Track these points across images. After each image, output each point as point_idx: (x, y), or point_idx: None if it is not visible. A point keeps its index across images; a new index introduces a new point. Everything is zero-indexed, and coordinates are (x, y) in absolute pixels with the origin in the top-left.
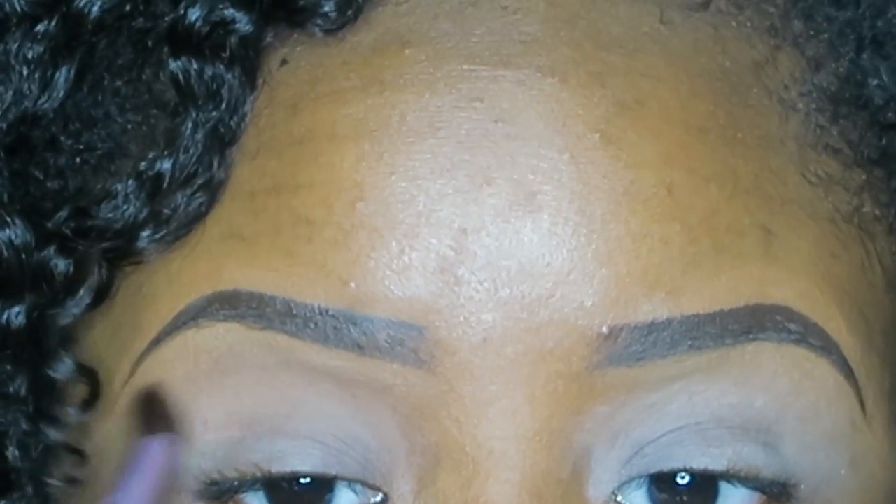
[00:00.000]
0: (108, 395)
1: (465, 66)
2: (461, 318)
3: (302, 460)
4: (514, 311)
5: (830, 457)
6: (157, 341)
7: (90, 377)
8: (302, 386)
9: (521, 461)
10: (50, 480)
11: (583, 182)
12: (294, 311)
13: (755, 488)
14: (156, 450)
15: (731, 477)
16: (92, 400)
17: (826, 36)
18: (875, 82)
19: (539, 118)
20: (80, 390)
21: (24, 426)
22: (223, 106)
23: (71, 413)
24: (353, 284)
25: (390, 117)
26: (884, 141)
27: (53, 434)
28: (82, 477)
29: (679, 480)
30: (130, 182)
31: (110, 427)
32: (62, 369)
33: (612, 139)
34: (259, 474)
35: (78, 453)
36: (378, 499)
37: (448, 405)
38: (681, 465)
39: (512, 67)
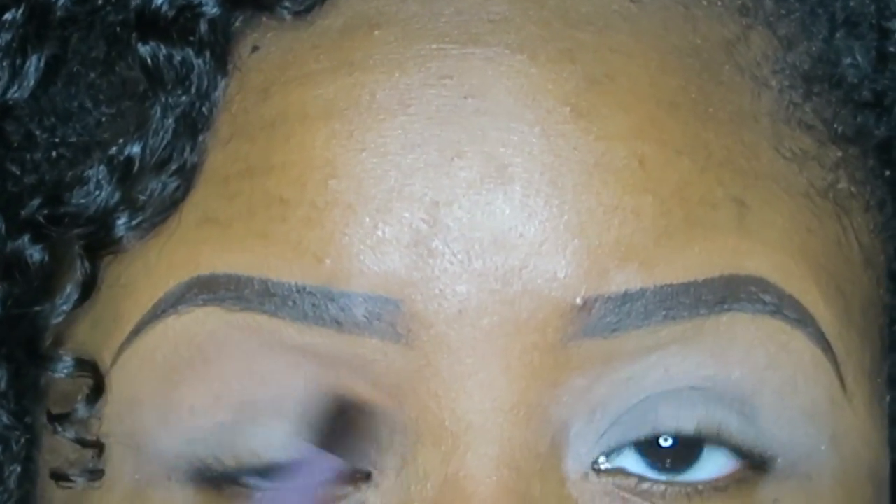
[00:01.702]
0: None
1: (434, 46)
2: (436, 291)
3: (295, 447)
4: (489, 283)
5: (809, 433)
6: (136, 331)
7: (92, 371)
8: (286, 367)
9: (500, 434)
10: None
11: (554, 154)
12: (272, 291)
13: (730, 449)
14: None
15: (704, 437)
16: (97, 393)
17: (798, 15)
18: (848, 61)
19: (509, 93)
20: (70, 384)
21: (4, 421)
22: (193, 90)
23: (79, 408)
24: (328, 261)
25: (360, 96)
26: (859, 119)
27: (61, 429)
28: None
29: (662, 443)
30: (102, 167)
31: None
32: (62, 368)
33: (582, 112)
34: (257, 461)
35: (94, 446)
36: (362, 475)
37: (426, 380)
38: (650, 429)
39: (481, 45)
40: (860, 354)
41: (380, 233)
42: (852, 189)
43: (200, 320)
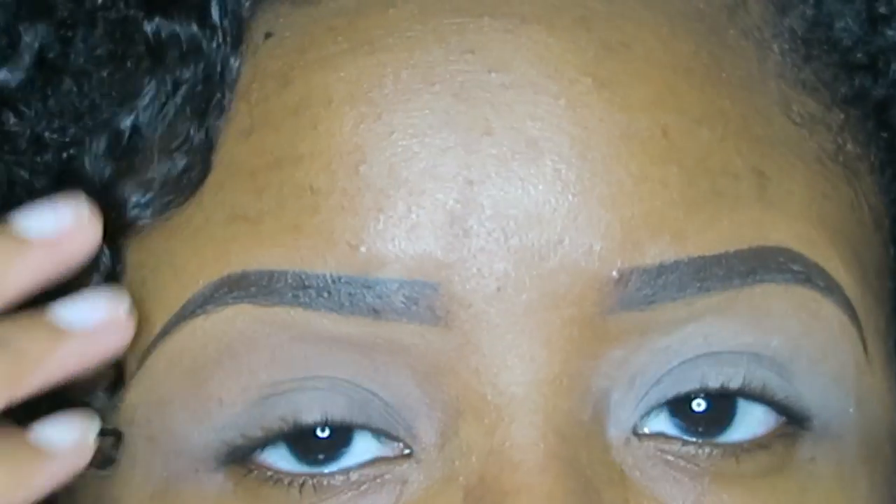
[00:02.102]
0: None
1: (450, 20)
2: (474, 270)
3: (329, 409)
4: (525, 259)
5: (839, 397)
6: (163, 333)
7: (114, 364)
8: (317, 357)
9: (543, 404)
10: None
11: (581, 126)
12: (306, 283)
13: (770, 405)
14: None
15: (746, 393)
16: (117, 384)
17: None
18: (841, 25)
19: (531, 65)
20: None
21: None
22: (200, 70)
23: (100, 396)
24: (363, 249)
25: (384, 77)
26: (856, 81)
27: None
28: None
29: (696, 407)
30: (102, 139)
31: (118, 424)
32: None
33: (604, 82)
34: (286, 427)
35: (113, 434)
36: (402, 452)
37: (466, 358)
38: (696, 385)
39: (497, 16)
40: (877, 318)
41: (414, 216)
42: (858, 151)
43: (230, 318)
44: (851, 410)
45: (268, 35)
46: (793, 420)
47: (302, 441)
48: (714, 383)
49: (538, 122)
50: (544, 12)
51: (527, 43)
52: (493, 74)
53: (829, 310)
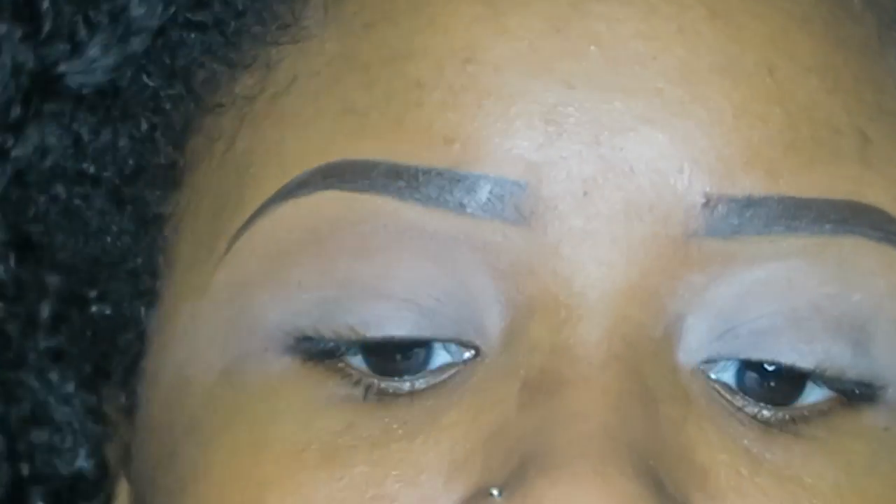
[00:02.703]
0: (202, 274)
1: None
2: (563, 174)
3: (397, 325)
4: (615, 168)
5: None
6: (255, 216)
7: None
8: (399, 248)
9: (614, 310)
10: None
11: (688, 50)
12: (398, 173)
13: (838, 390)
14: None
15: (816, 377)
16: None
17: None
18: None
19: None
20: None
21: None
22: None
23: None
24: (457, 144)
25: None
26: None
27: None
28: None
29: (767, 367)
30: None
31: (202, 305)
32: None
33: (718, 13)
34: (354, 337)
35: None
36: (471, 354)
37: (545, 259)
38: (769, 357)
39: None
40: None
41: (512, 115)
42: None
43: (319, 204)
44: None
45: None
46: (863, 393)
47: (377, 350)
48: (787, 359)
49: (647, 40)
50: None
51: None
52: None
53: None
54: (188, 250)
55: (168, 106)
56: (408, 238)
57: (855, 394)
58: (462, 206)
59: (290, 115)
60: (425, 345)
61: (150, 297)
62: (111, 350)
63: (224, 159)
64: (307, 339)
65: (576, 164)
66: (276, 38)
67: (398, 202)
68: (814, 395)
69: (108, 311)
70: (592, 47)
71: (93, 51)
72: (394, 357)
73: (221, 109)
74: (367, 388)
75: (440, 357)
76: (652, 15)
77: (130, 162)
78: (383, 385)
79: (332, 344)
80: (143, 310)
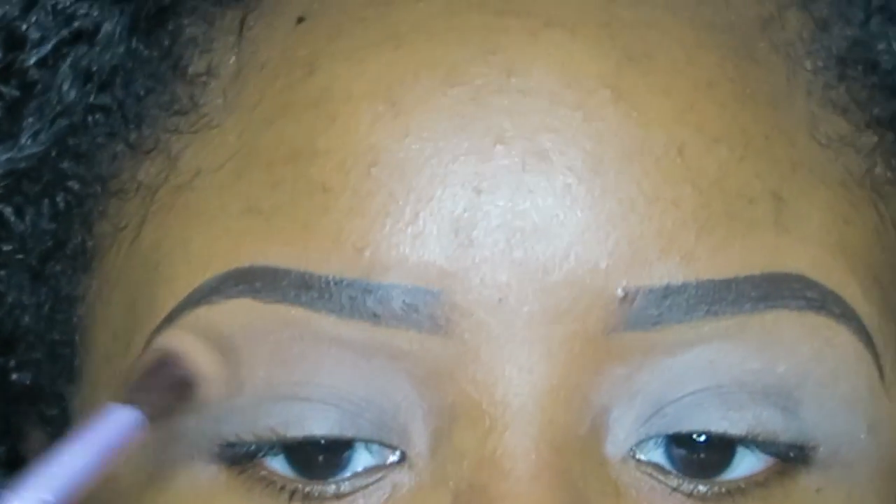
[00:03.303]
0: (121, 369)
1: (475, 17)
2: (477, 281)
3: (318, 423)
4: (529, 272)
5: (849, 421)
6: (170, 319)
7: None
8: (316, 356)
9: (539, 416)
10: None
11: (595, 140)
12: (309, 283)
13: (773, 453)
14: (120, 419)
15: (748, 442)
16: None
17: None
18: (882, 47)
19: (550, 72)
20: None
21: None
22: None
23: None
24: (367, 252)
25: (405, 74)
26: (893, 104)
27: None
28: None
29: (696, 437)
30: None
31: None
32: None
33: (623, 95)
34: (276, 438)
35: None
36: (395, 457)
37: (465, 366)
38: (700, 428)
39: (522, 16)
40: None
41: (420, 223)
42: (888, 175)
43: (233, 312)
44: (863, 436)
45: (300, 20)
46: (796, 456)
47: (299, 451)
48: (717, 428)
49: (552, 133)
50: (569, 16)
51: (548, 48)
52: (512, 79)
53: (843, 336)
54: (104, 339)
55: (77, 187)
56: (324, 347)
57: (790, 457)
58: (376, 316)
59: (195, 211)
60: (348, 445)
61: (70, 372)
62: (35, 423)
63: (131, 250)
64: (230, 444)
65: (489, 271)
66: (177, 125)
67: (311, 312)
68: (745, 461)
69: (27, 381)
70: (498, 146)
71: (24, 138)
72: (316, 458)
73: (126, 196)
74: (292, 493)
75: (363, 458)
76: (555, 105)
77: (49, 242)
78: (308, 489)
79: (253, 447)
80: (65, 385)
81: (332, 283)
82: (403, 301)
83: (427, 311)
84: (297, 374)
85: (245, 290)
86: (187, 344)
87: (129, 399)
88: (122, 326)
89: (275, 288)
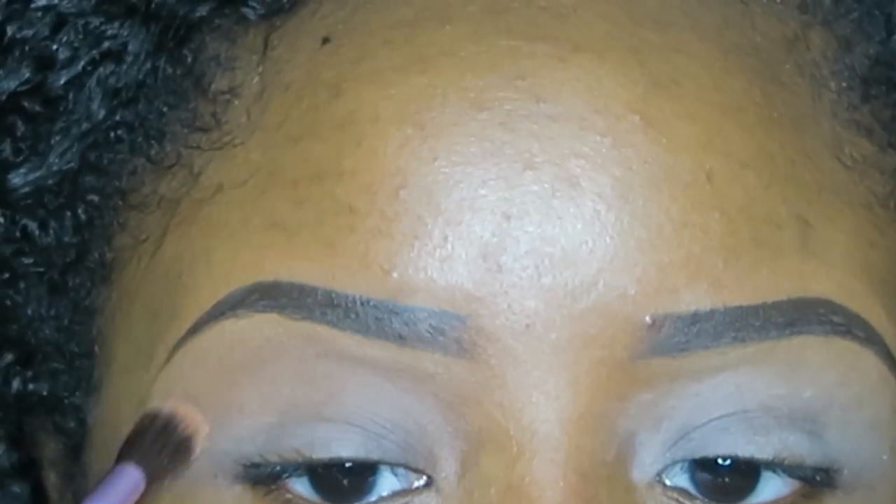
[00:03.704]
0: (143, 381)
1: (503, 42)
2: (504, 306)
3: (342, 445)
4: (557, 298)
5: (873, 443)
6: (194, 330)
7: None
8: (340, 375)
9: (566, 442)
10: None
11: (624, 167)
12: (335, 302)
13: (798, 477)
14: (130, 476)
15: (775, 466)
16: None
17: (856, 16)
18: None
19: (579, 97)
20: None
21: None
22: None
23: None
24: (395, 274)
25: (433, 98)
26: None
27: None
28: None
29: (720, 461)
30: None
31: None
32: None
33: (651, 121)
34: (301, 459)
35: None
36: (422, 482)
37: (491, 391)
38: (726, 452)
39: (550, 42)
40: None
41: (449, 247)
42: None
43: (258, 326)
44: (885, 457)
45: (325, 41)
46: (822, 479)
47: (324, 474)
48: (744, 452)
49: (582, 159)
50: (597, 41)
51: (577, 73)
52: (541, 105)
53: (868, 360)
54: (125, 351)
55: (97, 200)
56: (349, 366)
57: (816, 480)
58: (402, 337)
59: (217, 223)
60: (372, 469)
61: (88, 384)
62: (50, 432)
63: (152, 262)
64: (254, 465)
65: (517, 297)
66: (198, 142)
67: (336, 331)
68: (770, 486)
69: (44, 392)
70: (527, 172)
71: (53, 156)
72: (341, 481)
73: (147, 209)
74: None
75: (388, 482)
76: (585, 131)
77: (72, 254)
78: None
79: (278, 468)
80: (83, 397)
81: (358, 303)
82: (430, 324)
83: (453, 335)
84: (321, 394)
85: (271, 306)
86: (181, 406)
87: (129, 457)
88: (144, 338)
89: (300, 305)
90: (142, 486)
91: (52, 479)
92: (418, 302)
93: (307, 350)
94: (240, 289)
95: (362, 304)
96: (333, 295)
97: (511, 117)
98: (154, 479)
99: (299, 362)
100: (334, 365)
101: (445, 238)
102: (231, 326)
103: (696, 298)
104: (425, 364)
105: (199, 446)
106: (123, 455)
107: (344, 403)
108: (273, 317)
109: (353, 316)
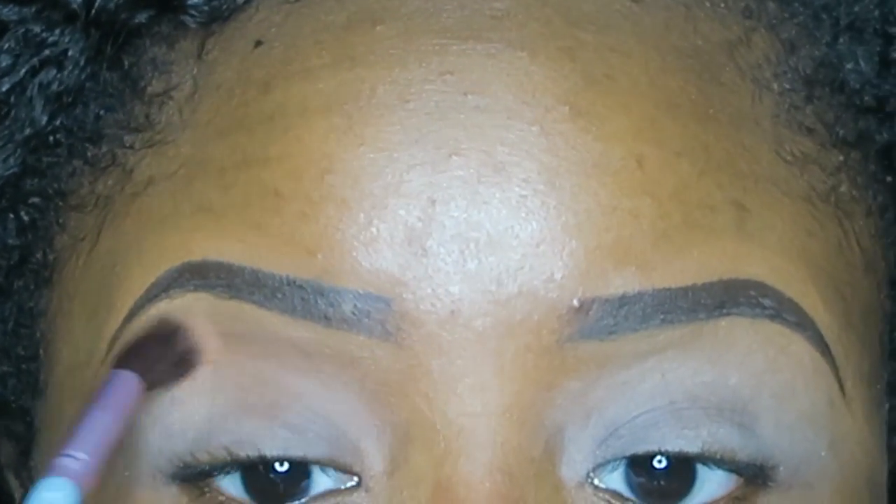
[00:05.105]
0: (85, 378)
1: (435, 41)
2: (429, 291)
3: (270, 443)
4: (483, 283)
5: (809, 437)
6: (129, 317)
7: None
8: (267, 359)
9: (492, 439)
10: None
11: (552, 154)
12: (261, 281)
13: (732, 470)
14: (127, 382)
15: (706, 459)
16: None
17: (801, 19)
18: (850, 66)
19: (508, 90)
20: None
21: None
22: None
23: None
24: (320, 256)
25: (360, 91)
26: (860, 124)
27: None
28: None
29: (656, 464)
30: None
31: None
32: None
33: (581, 111)
34: (229, 458)
35: None
36: (353, 482)
37: (416, 380)
38: (655, 448)
39: (482, 41)
40: (859, 359)
41: (374, 230)
42: (854, 193)
43: (190, 306)
44: (823, 453)
45: (258, 43)
46: (754, 477)
47: (256, 476)
48: (673, 447)
49: (508, 146)
50: (531, 40)
51: (507, 69)
52: (469, 97)
53: (799, 346)
54: (67, 351)
55: (38, 202)
56: (276, 349)
57: (752, 478)
58: (327, 318)
59: (148, 213)
60: (304, 470)
61: (34, 387)
62: (2, 434)
63: (89, 259)
64: (186, 465)
65: (441, 282)
66: (132, 142)
67: (264, 311)
68: (706, 489)
69: None
70: (453, 157)
71: None
72: (273, 481)
73: (84, 208)
74: None
75: (321, 482)
76: (512, 120)
77: (15, 257)
78: None
79: (207, 467)
80: (30, 400)
81: (284, 283)
82: (355, 305)
83: (378, 317)
84: (248, 381)
85: (201, 285)
86: (193, 319)
87: (127, 364)
88: (84, 336)
89: (229, 284)
90: (141, 393)
91: (11, 481)
92: (343, 283)
93: (234, 330)
94: (170, 269)
95: (288, 284)
96: (260, 274)
97: (438, 108)
98: (152, 387)
99: (226, 344)
100: (262, 348)
101: (370, 221)
102: (165, 307)
103: (624, 282)
104: (350, 347)
105: (206, 364)
106: (121, 361)
107: (271, 395)
108: (203, 296)
109: (279, 296)
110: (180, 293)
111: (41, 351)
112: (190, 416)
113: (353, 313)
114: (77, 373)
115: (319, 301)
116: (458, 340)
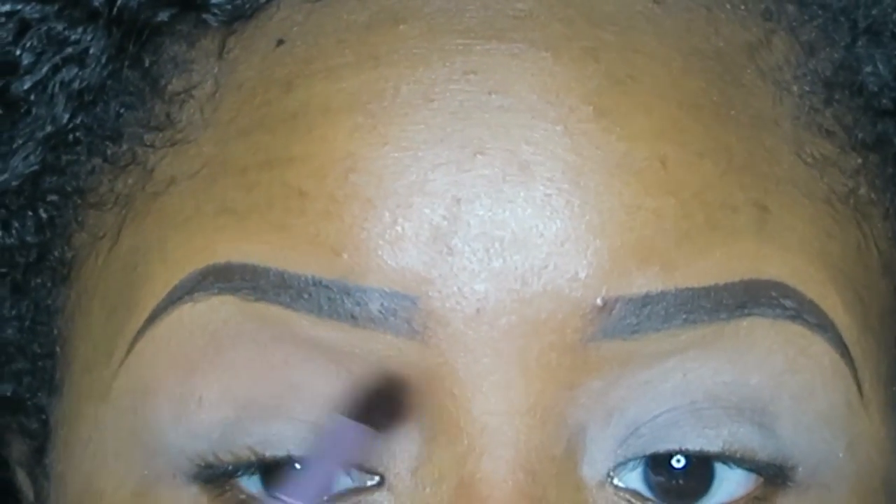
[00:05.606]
0: (103, 377)
1: (458, 41)
2: (454, 289)
3: (297, 444)
4: (508, 282)
5: (827, 439)
6: (152, 318)
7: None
8: (296, 362)
9: (515, 437)
10: None
11: (576, 153)
12: (287, 282)
13: (751, 470)
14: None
15: (726, 458)
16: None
17: (820, 22)
18: (869, 69)
19: (532, 90)
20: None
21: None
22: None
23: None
24: (345, 255)
25: (384, 90)
26: (879, 127)
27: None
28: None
29: (675, 464)
30: None
31: (105, 411)
32: None
33: (604, 111)
34: (254, 458)
35: None
36: (375, 481)
37: (442, 378)
38: (676, 447)
39: (505, 41)
40: (876, 361)
41: (399, 228)
42: (872, 196)
43: (215, 308)
44: (841, 454)
45: (280, 42)
46: (772, 477)
47: (275, 474)
48: (693, 446)
49: (532, 146)
50: (554, 41)
51: (531, 69)
52: (492, 96)
53: (819, 347)
54: (85, 349)
55: (57, 200)
56: (304, 352)
57: (771, 477)
58: (354, 317)
59: (170, 213)
60: None
61: (50, 385)
62: (16, 432)
63: (109, 258)
64: (208, 465)
65: (467, 280)
66: (153, 141)
67: (290, 312)
68: (724, 488)
69: (8, 392)
70: (478, 156)
71: (16, 160)
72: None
73: (104, 207)
74: None
75: (342, 481)
76: (536, 119)
77: (34, 254)
78: None
79: (230, 466)
80: (45, 398)
81: (310, 283)
82: (381, 304)
83: (404, 316)
84: (278, 385)
85: (225, 288)
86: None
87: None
88: (103, 335)
89: (254, 286)
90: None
91: (22, 478)
92: (369, 282)
93: (263, 333)
94: (194, 272)
95: (314, 284)
96: (286, 275)
97: (462, 107)
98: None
99: (256, 347)
100: (290, 350)
101: (395, 220)
102: (189, 311)
103: (647, 281)
104: (377, 346)
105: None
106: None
107: (300, 397)
108: (228, 299)
109: (305, 296)
110: (205, 296)
111: (57, 348)
112: (215, 416)
113: (380, 312)
114: (95, 372)
115: (346, 300)
116: (483, 338)
